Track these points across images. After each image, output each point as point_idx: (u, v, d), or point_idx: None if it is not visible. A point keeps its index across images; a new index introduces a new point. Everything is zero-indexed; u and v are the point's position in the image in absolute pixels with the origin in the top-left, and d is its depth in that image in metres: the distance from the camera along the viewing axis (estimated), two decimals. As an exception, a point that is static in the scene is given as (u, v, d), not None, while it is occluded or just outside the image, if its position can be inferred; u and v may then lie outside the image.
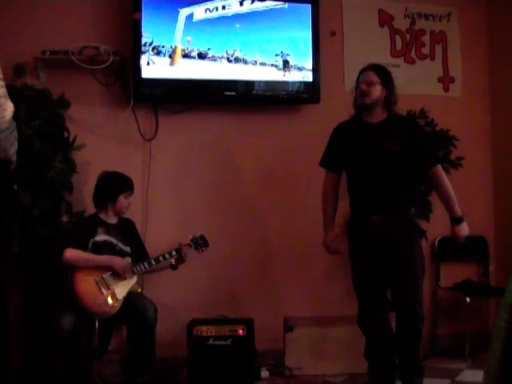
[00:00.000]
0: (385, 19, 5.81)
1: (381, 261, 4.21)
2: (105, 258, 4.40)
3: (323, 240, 4.44)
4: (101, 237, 4.49)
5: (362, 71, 4.35)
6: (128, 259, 4.45)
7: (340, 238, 4.46)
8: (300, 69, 5.35)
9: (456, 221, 4.24)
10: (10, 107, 2.43)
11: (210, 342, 4.78)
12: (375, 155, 4.20)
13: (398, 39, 5.84)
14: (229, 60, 5.22)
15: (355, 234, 4.37)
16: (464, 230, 4.24)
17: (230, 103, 5.40)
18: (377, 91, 4.26)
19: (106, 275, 4.35)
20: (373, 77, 4.27)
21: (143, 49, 5.04)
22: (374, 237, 4.20)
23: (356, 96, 4.34)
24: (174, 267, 4.64)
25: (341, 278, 5.24)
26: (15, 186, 2.67)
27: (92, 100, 5.19)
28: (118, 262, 4.40)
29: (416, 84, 5.76)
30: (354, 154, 4.30)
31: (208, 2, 5.20)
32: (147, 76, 5.08)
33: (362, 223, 4.29)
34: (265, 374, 4.95)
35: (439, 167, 4.30)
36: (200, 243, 4.69)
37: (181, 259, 4.62)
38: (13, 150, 2.53)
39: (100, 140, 5.15)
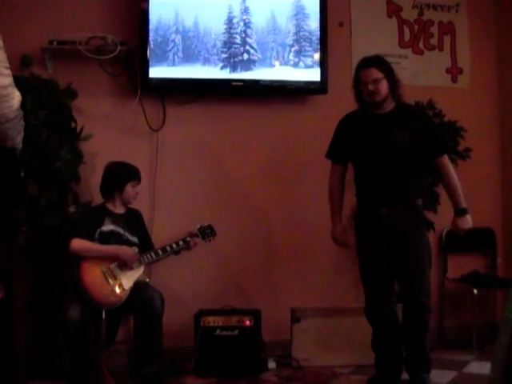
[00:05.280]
0: (393, 10, 5.78)
1: (388, 253, 4.20)
2: (111, 248, 4.40)
3: (331, 233, 4.43)
4: (108, 227, 4.48)
5: (361, 68, 4.27)
6: (135, 249, 4.45)
7: (348, 231, 4.45)
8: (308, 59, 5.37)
9: (460, 212, 4.18)
10: (17, 96, 2.42)
11: (217, 332, 4.79)
12: (383, 146, 4.17)
13: (406, 30, 5.81)
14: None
15: (362, 226, 4.36)
16: (467, 222, 4.18)
17: (237, 93, 5.39)
18: (384, 87, 4.19)
19: (113, 266, 4.36)
20: (377, 74, 4.18)
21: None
22: (382, 229, 4.19)
23: (358, 95, 4.30)
24: (176, 253, 4.65)
25: (348, 269, 5.23)
26: (22, 174, 2.66)
27: (99, 90, 5.18)
28: (125, 251, 4.40)
29: (424, 75, 5.74)
30: (361, 145, 4.27)
31: None
32: (154, 66, 5.09)
33: (369, 215, 4.28)
34: (272, 364, 4.95)
35: (446, 157, 4.26)
36: (207, 233, 4.70)
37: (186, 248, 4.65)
38: (19, 138, 2.53)
39: (107, 130, 5.15)
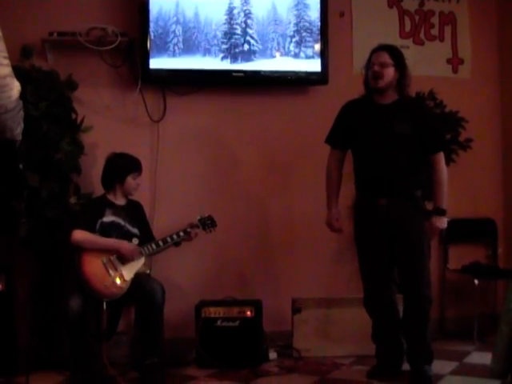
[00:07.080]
0: (394, 0, 5.76)
1: (387, 243, 4.20)
2: (112, 242, 4.40)
3: (326, 218, 4.43)
4: (108, 218, 4.48)
5: (374, 51, 4.25)
6: (135, 241, 4.45)
7: (342, 217, 4.45)
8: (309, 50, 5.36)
9: (440, 212, 4.18)
10: (16, 86, 2.40)
11: (218, 323, 4.79)
12: (384, 137, 4.16)
13: (407, 20, 5.80)
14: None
15: (361, 216, 4.36)
16: (443, 223, 4.18)
17: (237, 84, 5.38)
18: (390, 74, 4.18)
19: (114, 257, 4.35)
20: (386, 58, 4.18)
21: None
22: (380, 220, 4.18)
23: (367, 77, 4.28)
24: (176, 244, 4.64)
25: (349, 259, 5.21)
26: (21, 166, 2.65)
27: (100, 81, 5.19)
28: (126, 246, 4.39)
29: (425, 65, 5.71)
30: (362, 134, 4.25)
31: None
32: (155, 57, 5.09)
33: (368, 206, 4.27)
34: (273, 355, 4.95)
35: (441, 155, 4.24)
36: (208, 223, 4.69)
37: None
38: (19, 129, 2.51)
39: (108, 122, 5.15)
